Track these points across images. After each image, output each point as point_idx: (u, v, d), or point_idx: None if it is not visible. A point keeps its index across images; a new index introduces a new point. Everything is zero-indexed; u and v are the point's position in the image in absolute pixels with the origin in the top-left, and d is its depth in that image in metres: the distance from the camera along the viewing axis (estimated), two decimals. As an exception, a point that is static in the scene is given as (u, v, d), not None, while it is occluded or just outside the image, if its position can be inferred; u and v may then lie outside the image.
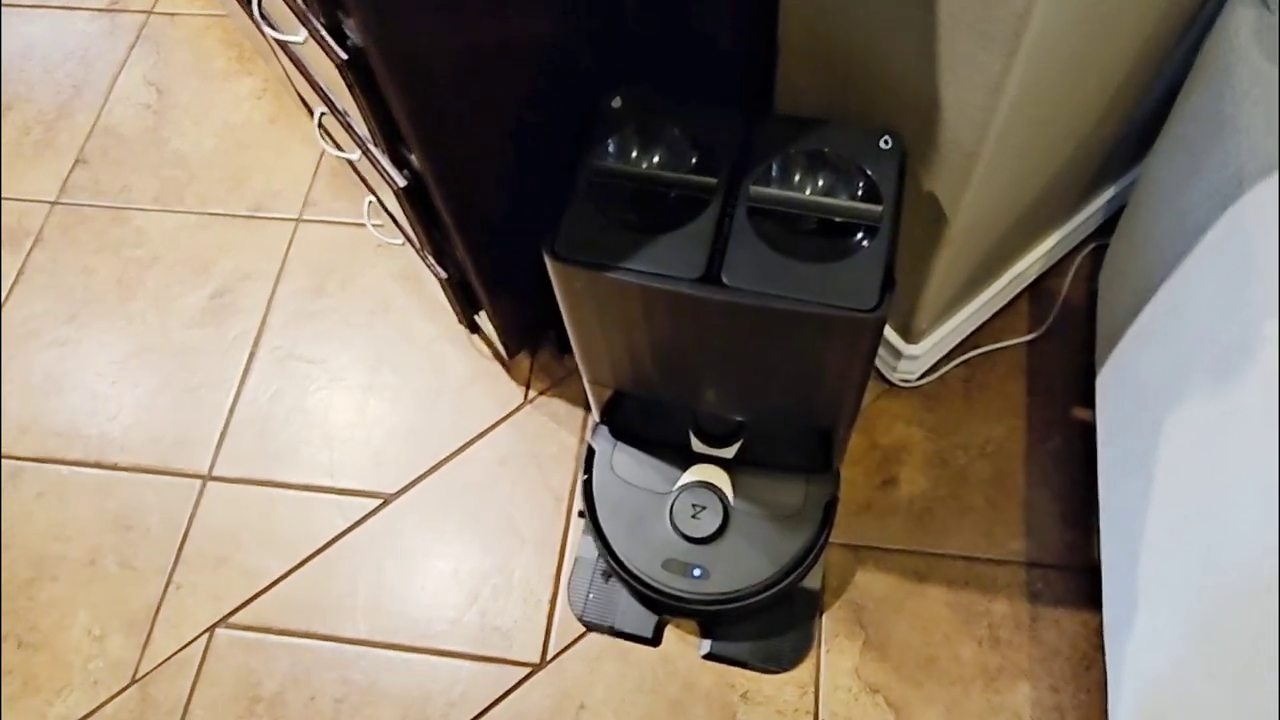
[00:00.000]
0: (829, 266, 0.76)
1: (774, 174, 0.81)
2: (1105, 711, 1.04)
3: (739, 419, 1.07)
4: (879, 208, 0.78)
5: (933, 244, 1.00)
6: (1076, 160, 1.07)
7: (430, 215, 0.99)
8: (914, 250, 1.03)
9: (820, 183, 0.82)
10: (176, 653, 1.15)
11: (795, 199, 0.80)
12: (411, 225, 1.04)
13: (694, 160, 0.82)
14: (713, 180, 0.80)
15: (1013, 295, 1.29)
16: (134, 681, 1.14)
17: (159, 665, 1.14)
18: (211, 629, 1.16)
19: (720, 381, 0.94)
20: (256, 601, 1.17)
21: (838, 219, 0.79)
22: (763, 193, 0.79)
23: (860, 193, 0.80)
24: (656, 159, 0.83)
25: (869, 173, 0.80)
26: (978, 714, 1.06)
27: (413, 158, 0.91)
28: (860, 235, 0.78)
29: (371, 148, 0.97)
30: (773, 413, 1.00)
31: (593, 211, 0.80)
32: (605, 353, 0.94)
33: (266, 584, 1.18)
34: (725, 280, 0.75)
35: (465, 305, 1.18)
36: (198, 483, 1.26)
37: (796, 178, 0.82)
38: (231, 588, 1.18)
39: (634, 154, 0.83)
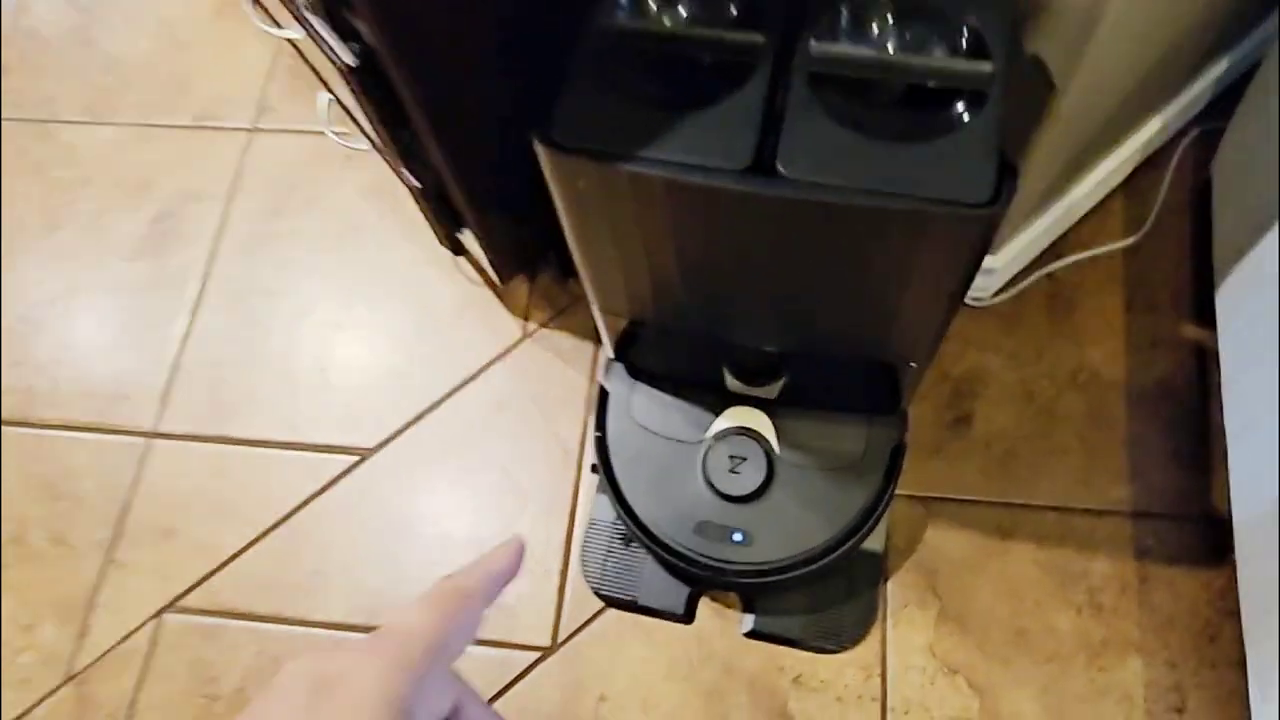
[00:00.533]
0: (921, 148, 0.55)
1: (843, 25, 0.59)
2: (1236, 690, 0.86)
3: (782, 353, 0.87)
4: (988, 67, 0.56)
5: (1035, 122, 0.79)
6: (1201, 20, 0.85)
7: (392, 105, 0.78)
8: (1011, 133, 0.81)
9: (907, 35, 0.60)
10: (119, 643, 0.97)
11: (873, 58, 0.58)
12: (370, 121, 0.83)
13: (734, 11, 0.60)
14: (760, 37, 0.58)
15: (1104, 194, 1.07)
16: (70, 679, 0.96)
17: (99, 659, 0.96)
18: (159, 614, 0.98)
19: (769, 306, 0.74)
20: (211, 580, 0.99)
21: (932, 83, 0.57)
22: (828, 51, 0.58)
23: (962, 48, 0.58)
24: (683, 12, 0.61)
25: (972, 21, 0.58)
26: (1080, 696, 0.88)
27: (361, 25, 0.70)
28: (961, 106, 0.56)
29: (309, 15, 0.75)
30: (834, 344, 0.79)
31: (601, 86, 0.58)
32: (619, 274, 0.74)
33: (223, 559, 1.00)
34: (781, 170, 0.55)
35: (445, 221, 0.97)
36: (140, 441, 1.06)
37: (874, 30, 0.60)
38: (182, 565, 1.00)
39: (653, 7, 0.61)
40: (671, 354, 0.92)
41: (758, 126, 0.56)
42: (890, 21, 0.59)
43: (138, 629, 0.97)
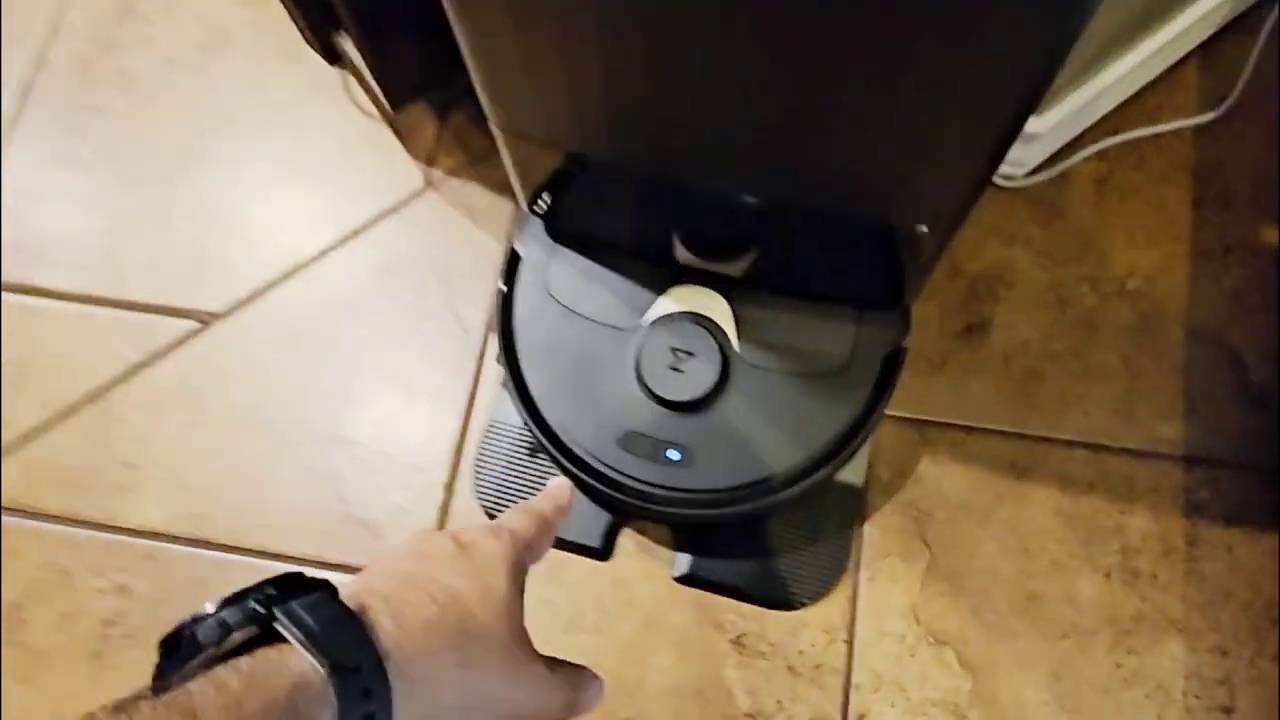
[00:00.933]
0: None
1: None
2: (1305, 693, 0.66)
3: (757, 210, 0.64)
4: None
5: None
6: None
7: None
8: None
9: None
10: None
11: None
12: None
13: None
14: None
15: (1178, 57, 0.84)
16: None
17: None
18: (-74, 505, 0.76)
19: (743, 128, 0.52)
20: (-4, 467, 0.77)
21: None
22: None
23: None
24: None
25: None
26: (1101, 685, 0.68)
27: None
28: None
29: None
30: (828, 191, 0.57)
31: None
32: (523, 62, 0.51)
33: (11, 439, 0.77)
34: None
35: (314, 14, 0.72)
36: (-79, 284, 0.83)
37: None
38: (-41, 445, 0.77)
39: None
40: (606, 207, 0.69)
41: None
42: None
43: (-105, 523, 0.75)
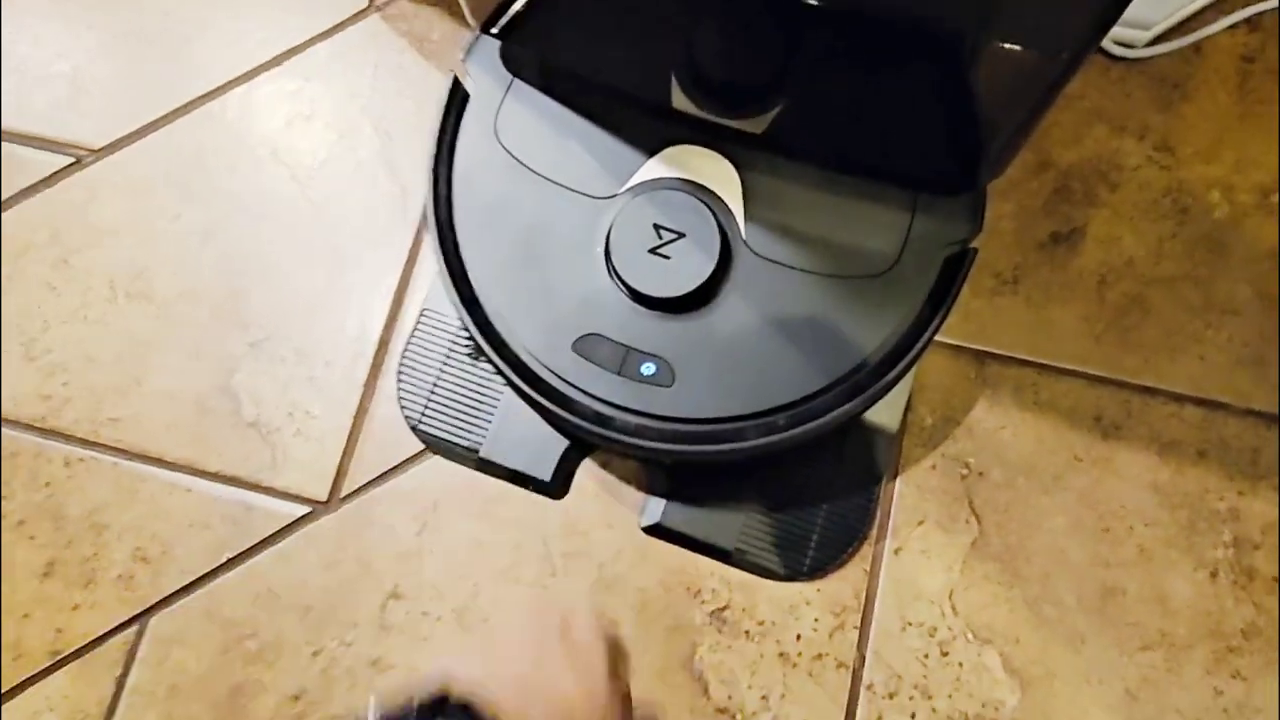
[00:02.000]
0: None
1: None
2: None
3: (789, 41, 0.46)
4: None
5: None
6: None
7: None
8: None
9: None
10: None
11: None
12: None
13: None
14: None
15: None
16: None
17: None
18: None
19: None
20: None
21: None
22: None
23: None
24: None
25: None
26: (1190, 713, 0.51)
27: None
28: None
29: None
30: (891, 11, 0.38)
31: None
32: None
33: None
34: None
35: None
36: None
37: None
38: None
39: None
40: (582, 28, 0.51)
41: None
42: None
43: None
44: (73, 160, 0.64)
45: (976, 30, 0.38)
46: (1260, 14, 0.63)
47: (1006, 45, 0.38)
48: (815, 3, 0.40)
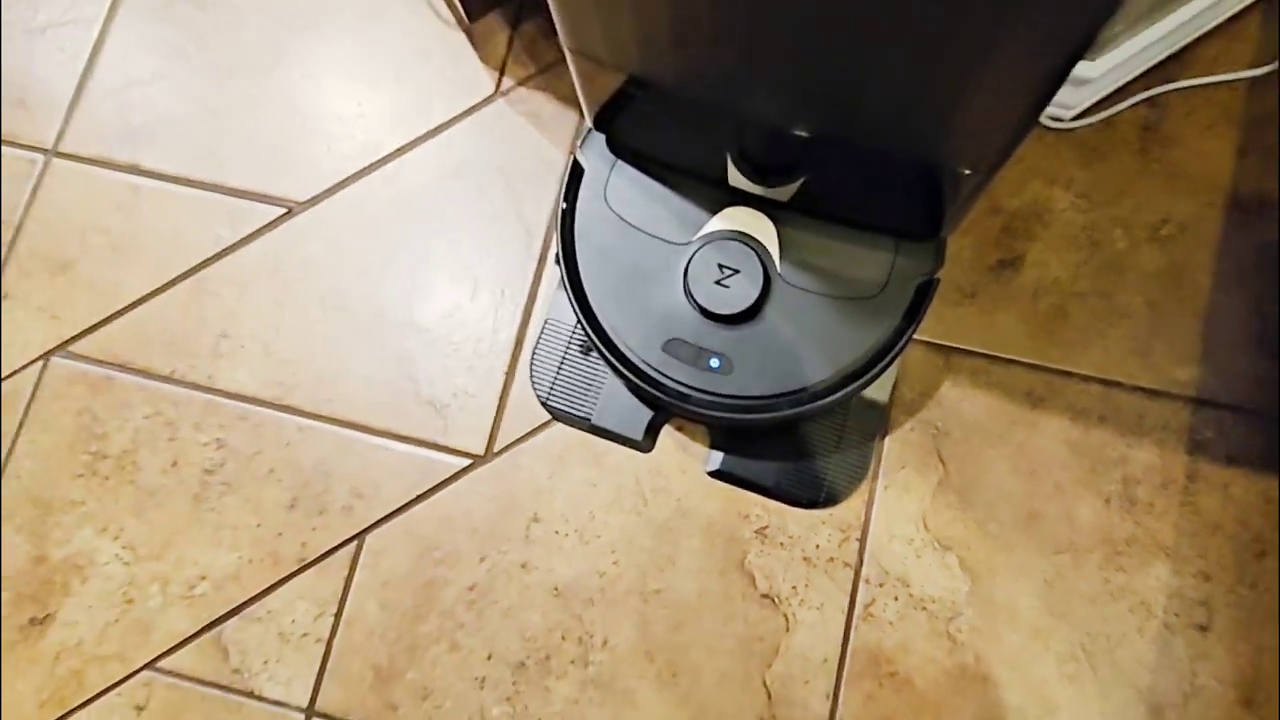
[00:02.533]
0: None
1: None
2: (1275, 616, 0.73)
3: (809, 138, 0.69)
4: None
5: None
6: None
7: None
8: None
9: None
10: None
11: None
12: None
13: None
14: None
15: (1240, 7, 0.85)
16: (-59, 417, 0.85)
17: (-25, 398, 0.85)
18: (46, 356, 0.85)
19: (796, 62, 0.56)
20: (107, 327, 0.85)
21: None
22: None
23: None
24: None
25: None
26: (1089, 596, 0.75)
27: None
28: None
29: None
30: (872, 128, 0.61)
31: None
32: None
33: (121, 305, 0.86)
34: None
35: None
36: (39, 158, 0.90)
37: None
38: (75, 304, 0.86)
39: None
40: (666, 129, 0.74)
41: None
42: None
43: (21, 369, 0.85)
44: (285, 210, 0.87)
45: (925, 158, 0.60)
46: (1155, 96, 0.85)
47: (951, 166, 0.61)
48: (794, 133, 0.62)
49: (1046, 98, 0.52)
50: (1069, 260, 0.82)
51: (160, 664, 0.78)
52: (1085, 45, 0.47)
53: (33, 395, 0.84)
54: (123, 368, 0.84)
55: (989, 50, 0.48)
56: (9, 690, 0.78)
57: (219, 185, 0.88)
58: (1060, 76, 0.50)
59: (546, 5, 0.75)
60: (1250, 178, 0.82)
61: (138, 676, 0.78)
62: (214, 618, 0.79)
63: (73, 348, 0.85)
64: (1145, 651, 0.74)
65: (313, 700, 0.77)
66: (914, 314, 0.73)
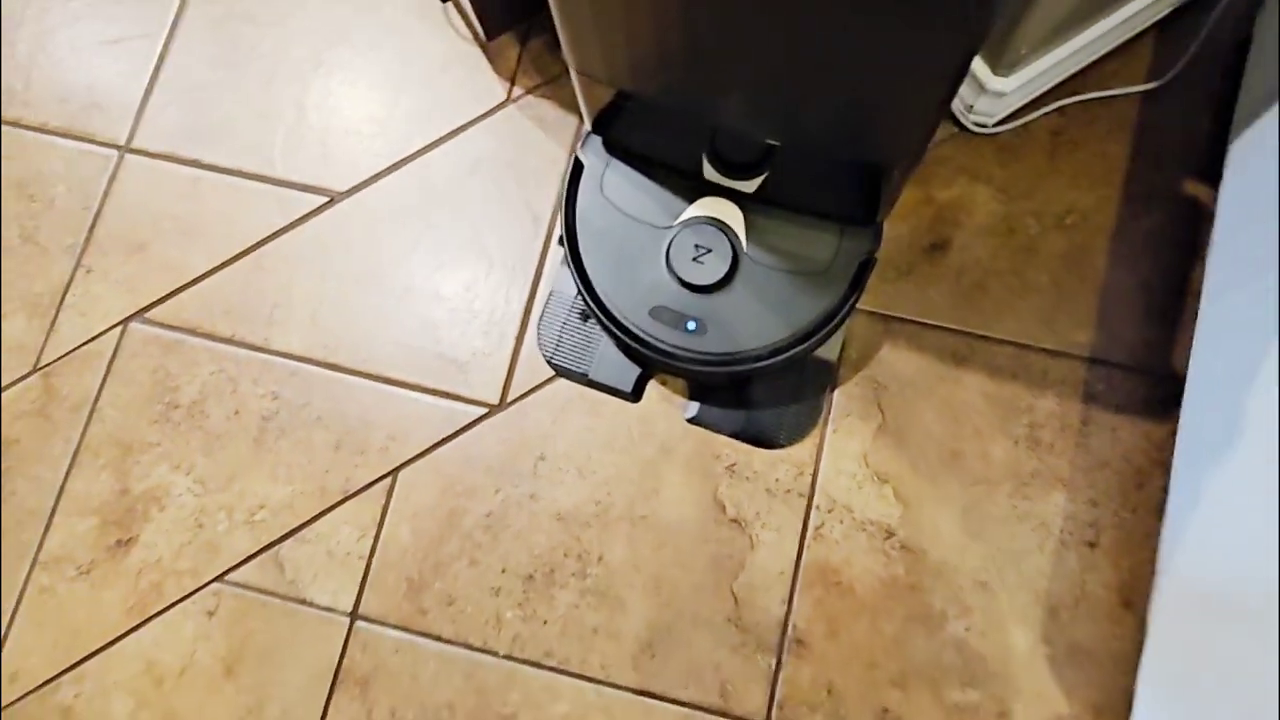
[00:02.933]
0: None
1: None
2: (1149, 535, 0.89)
3: (768, 142, 0.84)
4: None
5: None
6: None
7: None
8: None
9: None
10: (85, 343, 1.00)
11: None
12: None
13: None
14: None
15: (1135, 33, 1.01)
16: (36, 369, 0.99)
17: (65, 355, 0.99)
18: (125, 322, 1.00)
19: (750, 81, 0.71)
20: (177, 297, 1.00)
21: None
22: None
23: None
24: None
25: None
26: (999, 519, 0.91)
27: None
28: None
29: None
30: (816, 135, 0.76)
31: None
32: (596, 28, 0.70)
33: (189, 279, 1.01)
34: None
35: (438, -43, 0.92)
36: (113, 153, 1.05)
37: None
38: (149, 279, 1.01)
39: None
40: (652, 133, 0.89)
41: None
42: None
43: (104, 333, 1.00)
44: (328, 199, 1.02)
45: (857, 157, 0.76)
46: (1062, 106, 1.01)
47: (877, 164, 0.76)
48: (756, 138, 0.78)
49: (939, 114, 0.68)
50: (989, 244, 0.98)
51: (227, 577, 0.93)
52: (961, 76, 0.63)
53: (114, 355, 0.99)
54: (191, 332, 0.99)
55: (892, 79, 0.64)
56: (99, 600, 0.93)
57: (270, 177, 1.03)
58: (945, 100, 0.65)
59: (552, 26, 0.91)
60: (1141, 176, 0.99)
61: (208, 588, 0.93)
62: (272, 539, 0.94)
63: (148, 315, 1.00)
64: (1044, 564, 0.90)
65: (356, 606, 0.92)
66: (856, 286, 0.89)
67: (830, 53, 0.63)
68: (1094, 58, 1.01)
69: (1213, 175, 0.92)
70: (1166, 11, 1.01)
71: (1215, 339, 0.84)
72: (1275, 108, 0.85)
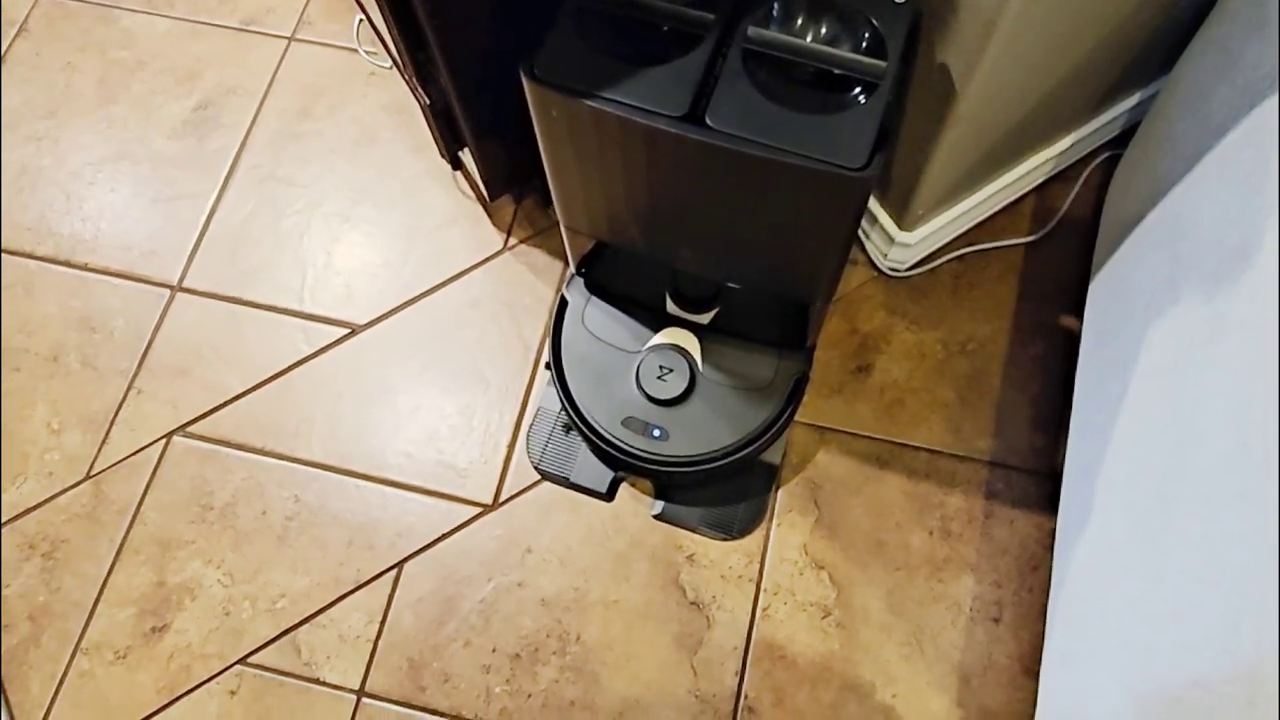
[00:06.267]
0: (820, 119, 0.71)
1: (775, 15, 0.76)
2: (1043, 611, 1.05)
3: (717, 283, 1.04)
4: (882, 63, 0.72)
5: (939, 121, 0.95)
6: (1103, 53, 1.00)
7: (413, 30, 0.94)
8: (920, 127, 0.98)
9: (824, 30, 0.77)
10: (133, 454, 1.15)
11: (794, 44, 0.74)
12: (394, 41, 0.99)
13: (695, -8, 0.76)
14: (710, 16, 0.74)
15: (1018, 195, 1.24)
16: (89, 477, 1.14)
17: (114, 465, 1.14)
18: (169, 436, 1.16)
19: (698, 237, 0.91)
20: (215, 415, 1.17)
21: (837, 71, 0.73)
22: (761, 34, 0.74)
23: (865, 45, 0.75)
24: (655, -13, 0.78)
25: (877, 26, 0.74)
26: (919, 600, 1.06)
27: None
28: (859, 91, 0.73)
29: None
30: (750, 277, 0.96)
31: (578, 37, 0.74)
32: (581, 194, 0.91)
33: (226, 399, 1.17)
34: (709, 122, 0.71)
35: (448, 137, 1.13)
36: (166, 292, 1.24)
37: (799, 22, 0.77)
38: (191, 398, 1.17)
39: (628, -20, 0.78)
40: (625, 275, 1.09)
41: (696, 85, 0.72)
42: (812, 18, 0.76)
43: (150, 445, 1.15)
44: (349, 330, 1.21)
45: (784, 295, 0.96)
46: (963, 254, 1.23)
47: (800, 300, 0.96)
48: (706, 278, 0.98)
49: (841, 262, 0.88)
50: (905, 366, 1.17)
51: (249, 660, 1.06)
52: (848, 234, 0.83)
53: (158, 464, 1.14)
54: (226, 444, 1.15)
55: (798, 236, 0.84)
56: (133, 682, 1.05)
57: (299, 312, 1.21)
58: (843, 251, 0.86)
59: (544, 188, 1.12)
60: (1028, 311, 1.20)
61: (232, 669, 1.06)
62: (290, 625, 1.07)
63: (190, 429, 1.16)
64: (958, 638, 1.05)
65: (362, 684, 1.05)
66: (793, 399, 1.08)
67: (751, 216, 0.83)
68: (985, 215, 1.23)
69: (1081, 311, 1.13)
70: (1042, 179, 1.25)
71: (1080, 442, 1.02)
72: (1118, 256, 1.06)
